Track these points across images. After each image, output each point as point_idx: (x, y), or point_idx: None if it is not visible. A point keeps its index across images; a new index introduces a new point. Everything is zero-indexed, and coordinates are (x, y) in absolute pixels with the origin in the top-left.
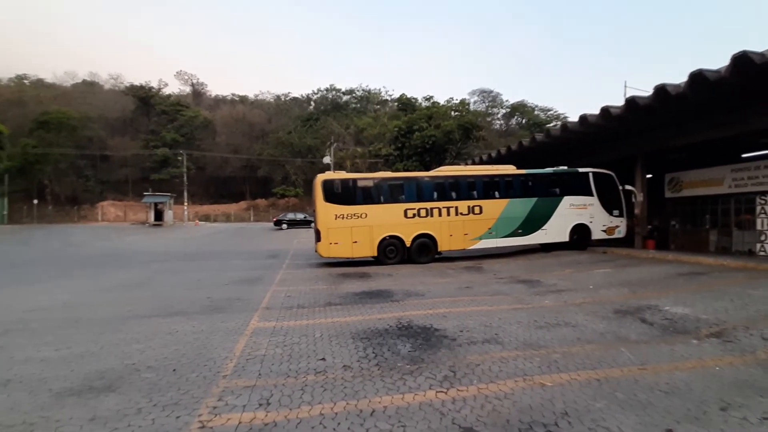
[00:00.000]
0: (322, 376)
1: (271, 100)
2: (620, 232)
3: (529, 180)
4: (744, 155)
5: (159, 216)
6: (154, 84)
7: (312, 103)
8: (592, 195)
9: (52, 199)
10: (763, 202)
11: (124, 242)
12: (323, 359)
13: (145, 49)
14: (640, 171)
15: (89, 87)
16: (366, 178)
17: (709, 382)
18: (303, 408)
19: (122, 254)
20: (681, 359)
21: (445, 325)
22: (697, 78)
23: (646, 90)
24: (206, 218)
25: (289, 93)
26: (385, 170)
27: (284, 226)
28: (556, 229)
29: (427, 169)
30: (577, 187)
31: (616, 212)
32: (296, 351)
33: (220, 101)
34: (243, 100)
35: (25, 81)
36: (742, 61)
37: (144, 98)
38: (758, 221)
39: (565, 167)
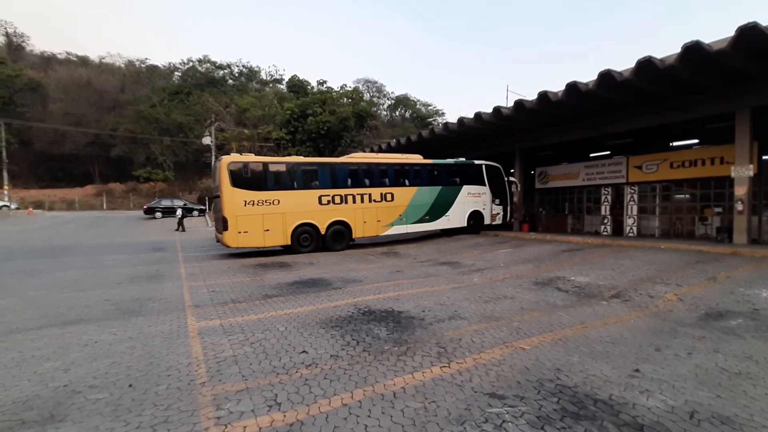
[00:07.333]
0: (316, 369)
1: (122, 65)
2: (500, 219)
3: (435, 169)
4: (591, 155)
5: None
6: None
7: (178, 74)
8: (484, 185)
9: None
10: (606, 192)
11: None
12: (305, 352)
13: None
14: (519, 164)
15: None
16: (278, 162)
17: (634, 332)
18: (321, 402)
19: None
20: (604, 317)
21: (404, 307)
22: (573, 88)
23: (520, 96)
24: (39, 205)
25: (146, 59)
26: (272, 155)
27: (158, 214)
28: (457, 215)
29: (321, 156)
30: (473, 177)
31: (498, 200)
32: (269, 347)
33: (50, 59)
34: (84, 61)
35: None
36: (606, 78)
37: None
38: (602, 207)
39: (463, 159)
